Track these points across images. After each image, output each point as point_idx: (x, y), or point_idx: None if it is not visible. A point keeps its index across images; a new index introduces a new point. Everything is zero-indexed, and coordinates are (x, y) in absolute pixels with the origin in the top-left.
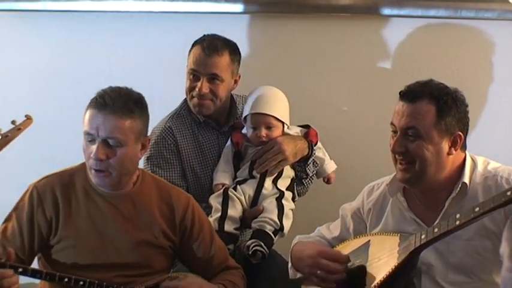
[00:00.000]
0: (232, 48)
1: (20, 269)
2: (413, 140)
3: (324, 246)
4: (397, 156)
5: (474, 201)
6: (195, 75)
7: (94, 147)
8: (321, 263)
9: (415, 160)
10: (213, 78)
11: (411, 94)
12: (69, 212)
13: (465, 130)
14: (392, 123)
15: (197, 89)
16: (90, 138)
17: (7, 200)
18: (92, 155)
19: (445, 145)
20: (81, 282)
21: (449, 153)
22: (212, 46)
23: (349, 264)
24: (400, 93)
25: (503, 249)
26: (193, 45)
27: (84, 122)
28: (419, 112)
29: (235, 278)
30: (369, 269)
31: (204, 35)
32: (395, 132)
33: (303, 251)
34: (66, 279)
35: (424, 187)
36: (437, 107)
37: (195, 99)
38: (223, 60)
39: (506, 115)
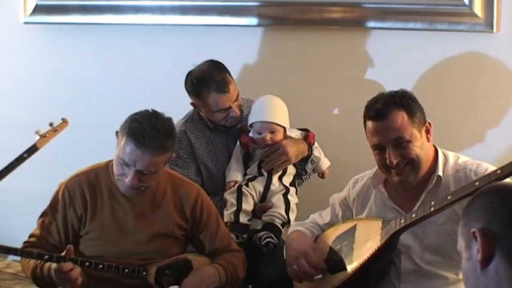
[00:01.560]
0: (223, 68)
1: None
2: (403, 146)
3: (313, 247)
4: (393, 167)
5: (447, 191)
6: (221, 110)
7: (128, 171)
8: (300, 262)
9: (410, 160)
10: (236, 99)
11: (381, 112)
12: (95, 208)
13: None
14: (374, 145)
15: (232, 115)
16: (125, 165)
17: (44, 190)
18: (126, 180)
19: (424, 136)
20: (101, 266)
21: (428, 140)
22: (220, 83)
23: (337, 247)
24: (369, 116)
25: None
26: (197, 92)
27: (121, 148)
28: (396, 122)
29: (233, 259)
30: (355, 250)
31: (192, 77)
32: (380, 149)
33: (295, 242)
34: (87, 263)
35: (419, 180)
36: (406, 110)
37: (230, 120)
38: (232, 83)
39: (479, 116)
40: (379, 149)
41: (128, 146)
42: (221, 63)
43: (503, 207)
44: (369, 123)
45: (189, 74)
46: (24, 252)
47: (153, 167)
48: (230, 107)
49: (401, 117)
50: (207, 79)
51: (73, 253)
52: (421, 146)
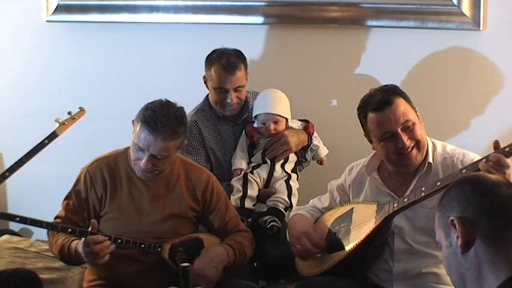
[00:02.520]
0: (242, 58)
1: (69, 230)
2: (411, 130)
3: (313, 227)
4: (405, 151)
5: (436, 177)
6: (221, 90)
7: (142, 155)
8: (302, 241)
9: (417, 141)
10: (238, 88)
11: (385, 101)
12: (114, 190)
13: None
14: (384, 133)
15: (228, 101)
16: (140, 150)
17: (65, 174)
18: (141, 164)
19: (419, 119)
20: (119, 241)
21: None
22: (230, 64)
23: (335, 228)
24: (372, 108)
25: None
26: (210, 64)
27: (136, 134)
28: (401, 107)
29: (241, 239)
30: (352, 231)
31: (214, 52)
32: (389, 137)
33: (296, 223)
34: (107, 238)
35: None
36: (403, 97)
37: (226, 107)
38: (241, 72)
39: (467, 107)
40: (388, 137)
41: (142, 132)
42: (244, 55)
43: (476, 195)
44: (373, 116)
45: (214, 50)
46: (49, 224)
47: (166, 152)
48: (229, 92)
49: (402, 102)
50: (222, 56)
51: (97, 228)
52: (421, 128)
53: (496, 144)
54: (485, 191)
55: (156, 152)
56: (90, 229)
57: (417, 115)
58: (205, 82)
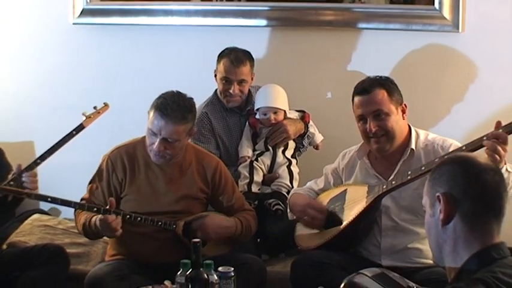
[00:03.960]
0: (250, 57)
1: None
2: (382, 119)
3: (312, 199)
4: (372, 135)
5: (418, 162)
6: (226, 80)
7: (156, 139)
8: (308, 212)
9: (387, 131)
10: (241, 81)
11: (366, 88)
12: (133, 175)
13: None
14: (358, 116)
15: (230, 91)
16: (153, 134)
17: (90, 161)
18: (154, 147)
19: (400, 114)
20: (139, 218)
21: (403, 119)
22: (238, 58)
23: (331, 207)
24: (356, 92)
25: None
26: (220, 58)
27: (150, 120)
28: (377, 97)
29: (247, 216)
30: (345, 210)
31: (226, 48)
32: (363, 119)
33: (297, 201)
34: (128, 216)
35: (391, 150)
36: (386, 90)
37: (228, 98)
38: (247, 68)
39: (447, 100)
40: (362, 119)
41: (155, 118)
42: (252, 56)
43: (465, 178)
44: (356, 99)
45: (227, 47)
46: (77, 204)
47: (175, 135)
48: (233, 83)
49: (381, 94)
50: (231, 51)
51: (114, 206)
52: (396, 121)
53: (498, 124)
54: (473, 175)
55: (167, 135)
56: (108, 207)
57: (398, 110)
58: (215, 76)
